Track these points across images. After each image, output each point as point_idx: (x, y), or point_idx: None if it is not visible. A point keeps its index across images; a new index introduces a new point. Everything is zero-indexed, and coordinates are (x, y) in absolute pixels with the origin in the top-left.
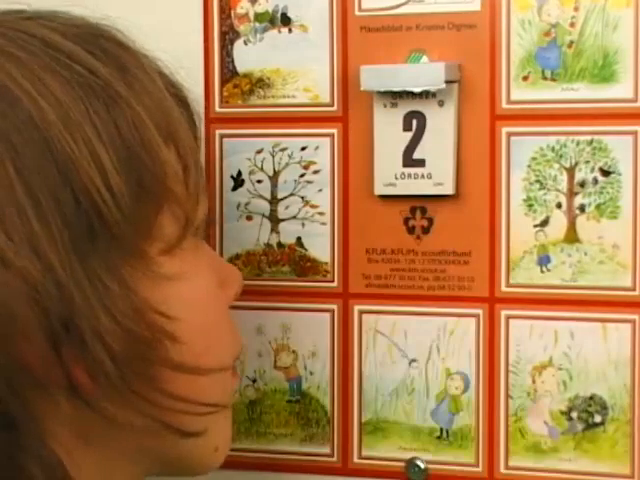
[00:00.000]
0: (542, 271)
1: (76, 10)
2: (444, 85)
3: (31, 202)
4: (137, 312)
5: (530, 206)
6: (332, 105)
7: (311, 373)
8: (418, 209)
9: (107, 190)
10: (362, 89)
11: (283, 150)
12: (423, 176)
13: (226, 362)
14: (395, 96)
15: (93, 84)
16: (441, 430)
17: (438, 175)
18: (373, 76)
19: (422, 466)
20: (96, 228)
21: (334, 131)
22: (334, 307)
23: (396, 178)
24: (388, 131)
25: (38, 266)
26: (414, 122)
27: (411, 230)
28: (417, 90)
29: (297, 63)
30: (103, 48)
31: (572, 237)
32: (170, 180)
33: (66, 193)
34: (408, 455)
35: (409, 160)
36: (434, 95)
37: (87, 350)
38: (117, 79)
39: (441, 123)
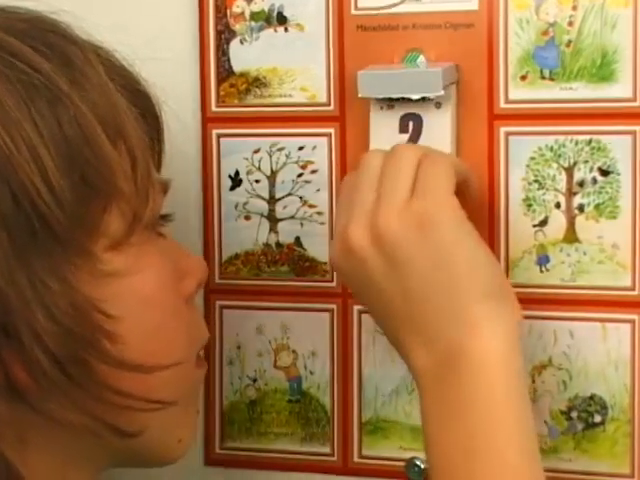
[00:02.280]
0: (541, 271)
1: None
2: (442, 92)
3: None
4: (78, 311)
5: (529, 206)
6: (329, 104)
7: (311, 373)
8: None
9: (48, 189)
10: (360, 96)
11: (280, 150)
12: None
13: (177, 359)
14: (392, 99)
15: (36, 81)
16: None
17: None
18: (371, 82)
19: (422, 466)
20: (37, 228)
21: (331, 131)
22: (334, 307)
23: None
24: (384, 133)
25: None
26: (410, 124)
27: None
28: (415, 97)
29: (293, 62)
30: (49, 43)
31: (571, 237)
32: (116, 177)
33: (4, 193)
34: (408, 455)
35: None
36: (431, 97)
37: (25, 350)
38: (61, 75)
39: (438, 125)
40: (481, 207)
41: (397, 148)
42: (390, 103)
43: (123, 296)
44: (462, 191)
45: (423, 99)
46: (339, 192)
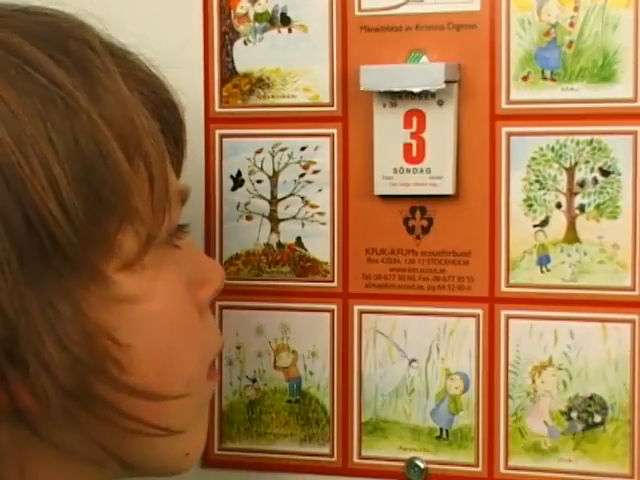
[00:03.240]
0: (542, 271)
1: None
2: (444, 85)
3: None
4: (87, 338)
5: (530, 206)
6: (332, 105)
7: (311, 373)
8: (418, 209)
9: (61, 210)
10: (362, 89)
11: (283, 150)
12: (423, 176)
13: (188, 380)
14: (395, 96)
15: (54, 96)
16: (441, 430)
17: (438, 175)
18: (373, 76)
19: (422, 466)
20: (48, 250)
21: (334, 131)
22: (334, 307)
23: (396, 178)
24: (388, 131)
25: None
26: (414, 121)
27: (411, 230)
28: (417, 90)
29: (297, 63)
30: (69, 52)
31: (572, 237)
32: (132, 196)
33: (16, 214)
34: (408, 455)
35: (409, 160)
36: (433, 95)
37: (31, 376)
38: (80, 89)
39: (441, 123)
40: (482, 207)
41: None
42: (392, 100)
43: (135, 323)
44: None
45: (425, 95)
46: None
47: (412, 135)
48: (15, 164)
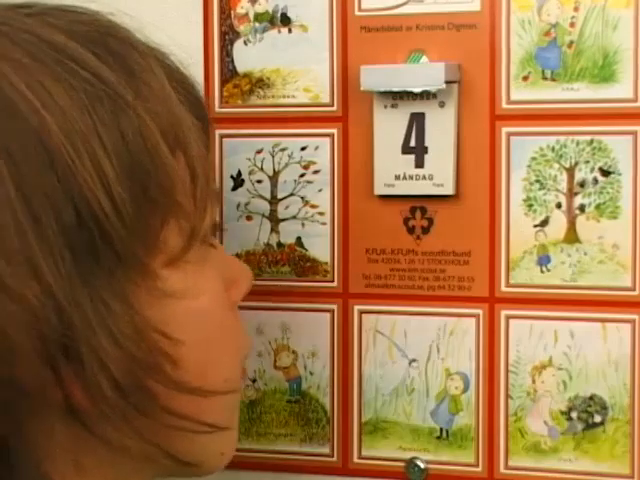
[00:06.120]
0: (542, 271)
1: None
2: (444, 85)
3: (31, 221)
4: (139, 333)
5: (530, 206)
6: (332, 105)
7: (311, 373)
8: (418, 209)
9: (111, 205)
10: (362, 89)
11: (283, 150)
12: (423, 176)
13: (227, 376)
14: (395, 97)
15: (99, 91)
16: (441, 430)
17: (438, 175)
18: (373, 76)
19: (422, 466)
20: (99, 245)
21: (334, 131)
22: (334, 307)
23: (396, 178)
24: (388, 131)
25: (37, 291)
26: (414, 122)
27: (411, 230)
28: (417, 90)
29: (297, 63)
30: (110, 49)
31: (572, 237)
32: (177, 191)
33: (68, 210)
34: (408, 455)
35: (409, 160)
36: (435, 96)
37: (87, 374)
38: (124, 85)
39: (441, 123)
40: (482, 207)
41: None
42: (394, 102)
43: (182, 318)
44: None
45: (426, 96)
46: None
47: (413, 136)
48: (67, 159)
